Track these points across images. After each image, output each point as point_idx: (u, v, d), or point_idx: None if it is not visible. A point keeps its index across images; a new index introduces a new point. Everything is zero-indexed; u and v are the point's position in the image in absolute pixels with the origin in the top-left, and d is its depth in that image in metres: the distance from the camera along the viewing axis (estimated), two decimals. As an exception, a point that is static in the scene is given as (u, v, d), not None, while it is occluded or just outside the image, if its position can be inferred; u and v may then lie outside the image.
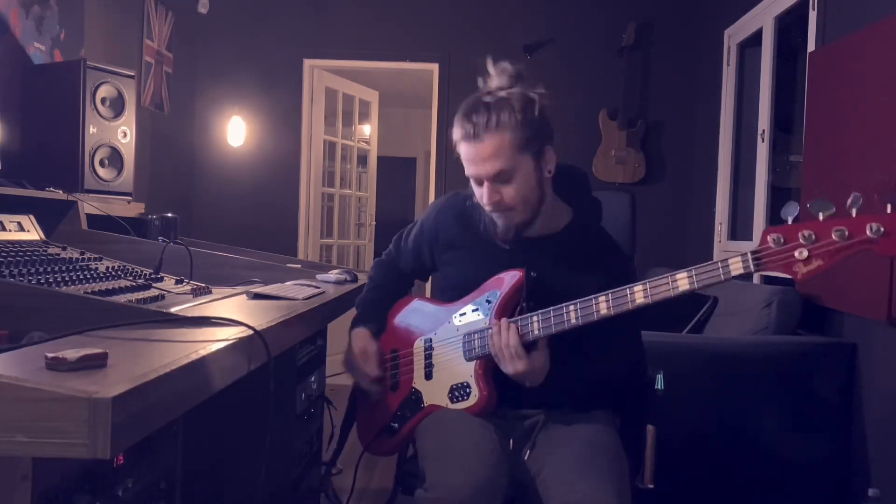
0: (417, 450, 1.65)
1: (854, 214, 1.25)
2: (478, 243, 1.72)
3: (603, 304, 1.48)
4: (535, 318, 1.55)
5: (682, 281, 1.41)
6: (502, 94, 1.57)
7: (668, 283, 1.42)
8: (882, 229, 1.21)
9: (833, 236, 1.24)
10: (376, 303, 1.88)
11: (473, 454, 1.47)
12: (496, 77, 1.61)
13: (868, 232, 1.22)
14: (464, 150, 1.59)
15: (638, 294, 1.45)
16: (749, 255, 1.33)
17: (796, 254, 1.27)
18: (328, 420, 2.36)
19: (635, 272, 1.76)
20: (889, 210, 1.22)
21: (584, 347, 1.62)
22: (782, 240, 1.28)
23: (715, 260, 1.40)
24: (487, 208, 1.62)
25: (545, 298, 1.57)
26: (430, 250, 1.82)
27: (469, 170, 1.61)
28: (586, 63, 4.58)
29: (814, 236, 1.26)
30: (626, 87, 4.48)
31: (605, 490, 1.40)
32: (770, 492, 2.50)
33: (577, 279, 1.61)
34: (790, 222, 1.30)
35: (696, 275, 1.39)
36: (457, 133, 1.60)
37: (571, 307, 1.51)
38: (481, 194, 1.61)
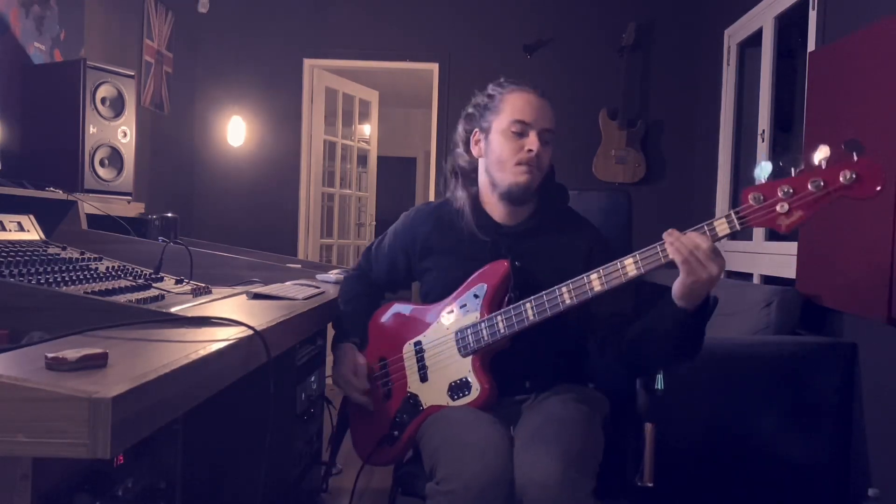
0: (422, 449, 1.63)
1: (824, 167, 1.32)
2: (457, 243, 1.75)
3: (595, 281, 1.50)
4: (528, 304, 1.57)
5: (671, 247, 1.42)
6: None
7: (657, 250, 1.43)
8: (854, 175, 1.29)
9: (810, 188, 1.31)
10: (353, 315, 1.86)
11: (487, 446, 1.47)
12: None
13: (842, 179, 1.29)
14: (522, 99, 1.69)
15: (629, 265, 1.46)
16: (733, 213, 1.37)
17: (778, 208, 1.33)
18: (328, 420, 2.36)
19: (611, 246, 1.78)
20: (856, 158, 1.29)
21: (581, 333, 1.66)
22: (762, 197, 1.34)
23: (701, 224, 1.41)
24: (526, 157, 1.67)
25: (532, 283, 1.59)
26: (406, 258, 1.84)
27: (524, 115, 1.67)
28: (586, 63, 4.58)
29: (792, 190, 1.32)
30: (626, 87, 4.48)
31: (548, 455, 1.40)
32: (770, 491, 2.50)
33: (555, 253, 1.67)
34: (763, 181, 1.35)
35: None
36: (509, 89, 1.71)
37: (564, 288, 1.53)
38: (519, 147, 1.67)
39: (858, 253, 2.39)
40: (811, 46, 2.96)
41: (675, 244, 1.39)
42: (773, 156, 3.61)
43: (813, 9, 2.99)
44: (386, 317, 1.83)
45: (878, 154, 2.31)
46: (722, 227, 1.38)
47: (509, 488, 1.43)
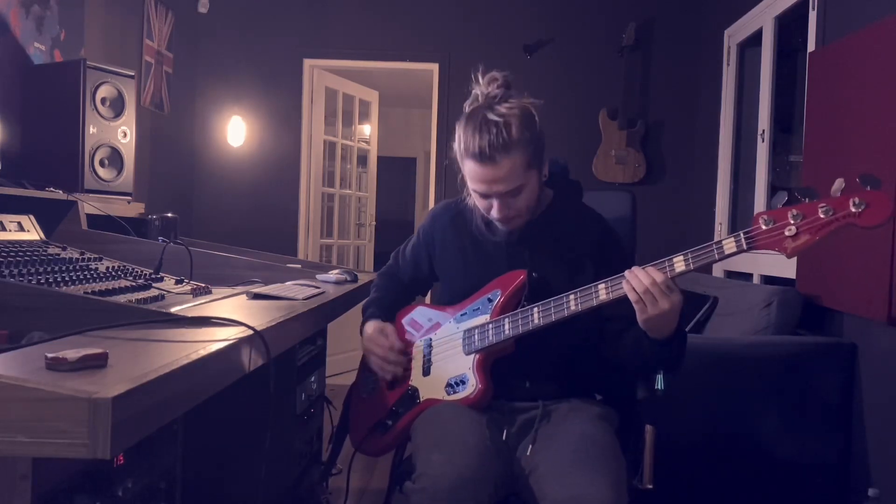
0: (412, 445, 1.66)
1: (838, 197, 1.34)
2: (472, 243, 1.76)
3: (602, 290, 1.51)
4: (535, 309, 1.58)
5: (679, 263, 1.44)
6: (504, 109, 1.57)
7: (665, 265, 1.45)
8: (864, 203, 1.31)
9: (819, 213, 1.33)
10: (383, 302, 1.90)
11: (459, 445, 1.48)
12: (486, 86, 1.63)
13: (851, 206, 1.31)
14: (473, 168, 1.59)
15: None
16: (742, 234, 1.39)
17: (786, 231, 1.35)
18: (328, 420, 2.36)
19: (621, 239, 1.78)
20: (869, 190, 1.33)
21: (586, 338, 1.66)
22: (773, 221, 1.36)
23: (709, 242, 1.43)
24: (496, 220, 1.65)
25: (546, 293, 1.59)
26: (427, 256, 1.86)
27: (478, 187, 1.61)
28: (586, 63, 4.58)
29: (802, 215, 1.34)
30: (626, 87, 4.48)
31: (600, 483, 1.40)
32: (770, 492, 2.50)
33: (568, 253, 1.67)
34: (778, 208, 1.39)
35: (692, 256, 1.43)
36: (463, 148, 1.59)
37: (572, 296, 1.54)
38: (488, 207, 1.64)
39: (858, 253, 2.39)
40: (811, 46, 2.96)
41: (632, 281, 1.44)
42: (774, 156, 3.61)
43: (813, 9, 2.99)
44: (407, 317, 1.86)
45: (877, 153, 2.32)
46: (729, 246, 1.40)
47: (485, 488, 1.44)
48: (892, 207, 1.30)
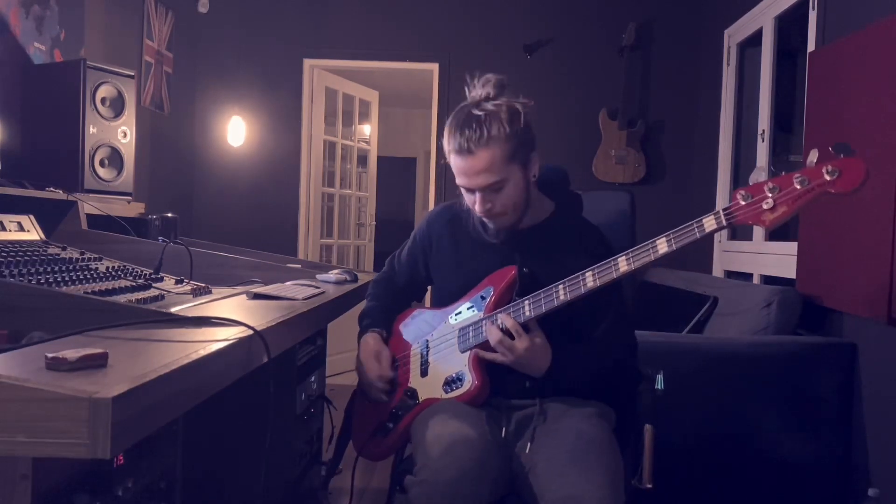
0: (411, 443, 1.67)
1: (813, 167, 1.36)
2: (469, 243, 1.78)
3: (589, 277, 1.54)
4: (526, 302, 1.60)
5: (662, 245, 1.47)
6: (490, 106, 1.62)
7: (648, 248, 1.48)
8: (837, 170, 1.32)
9: (795, 184, 1.35)
10: (379, 309, 1.91)
11: (459, 440, 1.49)
12: (481, 88, 1.67)
13: (825, 174, 1.33)
14: (455, 162, 1.64)
15: (621, 262, 1.51)
16: (721, 211, 1.42)
17: (763, 205, 1.37)
18: (328, 420, 2.36)
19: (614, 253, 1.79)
20: (842, 157, 1.35)
21: (577, 336, 1.67)
22: (750, 196, 1.39)
23: (690, 222, 1.45)
24: (479, 215, 1.68)
25: (536, 288, 1.61)
26: (424, 258, 1.87)
27: (460, 181, 1.66)
28: (586, 63, 4.58)
29: (778, 188, 1.37)
30: (626, 87, 4.48)
31: (597, 482, 1.41)
32: (770, 492, 2.50)
33: (563, 263, 1.67)
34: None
35: (674, 237, 1.46)
36: (448, 145, 1.65)
37: (560, 286, 1.57)
38: (473, 202, 1.67)
39: (858, 253, 2.39)
40: (811, 46, 2.96)
41: (490, 330, 1.60)
42: (773, 156, 3.61)
43: (813, 9, 2.99)
44: (406, 320, 1.88)
45: (877, 153, 2.32)
46: (710, 223, 1.42)
47: (485, 482, 1.45)
48: (866, 172, 1.32)
